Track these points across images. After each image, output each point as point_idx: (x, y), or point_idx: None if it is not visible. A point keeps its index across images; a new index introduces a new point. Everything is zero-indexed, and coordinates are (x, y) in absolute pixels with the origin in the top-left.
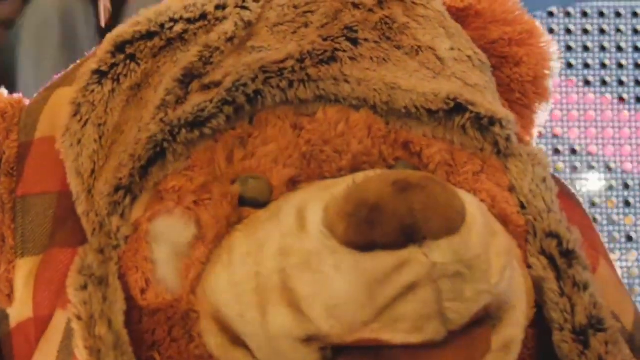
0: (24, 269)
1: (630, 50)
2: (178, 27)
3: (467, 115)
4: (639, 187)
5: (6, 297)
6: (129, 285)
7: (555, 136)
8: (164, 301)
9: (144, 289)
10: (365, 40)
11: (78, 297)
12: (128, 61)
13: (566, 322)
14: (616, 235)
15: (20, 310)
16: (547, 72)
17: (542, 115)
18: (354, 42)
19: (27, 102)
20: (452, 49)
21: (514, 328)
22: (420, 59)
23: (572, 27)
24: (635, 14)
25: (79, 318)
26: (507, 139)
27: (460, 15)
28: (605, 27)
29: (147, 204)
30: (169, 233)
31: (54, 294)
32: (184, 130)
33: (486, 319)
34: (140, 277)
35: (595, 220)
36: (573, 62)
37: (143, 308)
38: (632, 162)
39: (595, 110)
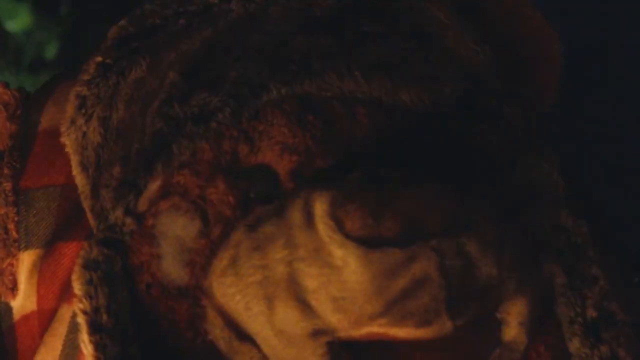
0: (27, 262)
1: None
2: (183, 20)
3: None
4: None
5: (10, 290)
6: (135, 279)
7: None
8: (170, 295)
9: (150, 283)
10: (372, 33)
11: (83, 291)
12: (133, 54)
13: (577, 315)
14: None
15: (23, 304)
16: (554, 67)
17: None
18: (361, 35)
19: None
20: (458, 43)
21: (523, 322)
22: (427, 52)
23: None
24: None
25: (84, 312)
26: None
27: (465, 9)
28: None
29: (152, 198)
30: (174, 227)
31: (58, 287)
32: (189, 124)
33: (494, 313)
34: (146, 271)
35: None
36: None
37: (149, 302)
38: None
39: None
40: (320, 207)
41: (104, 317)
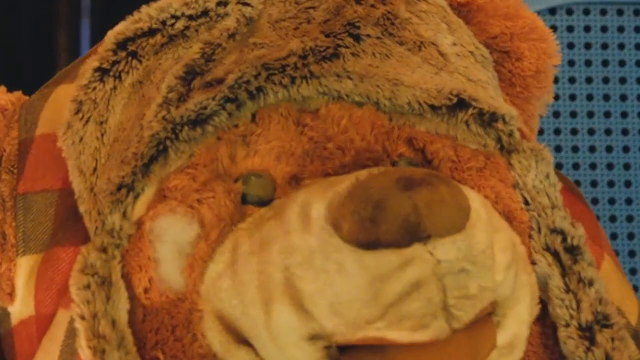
0: (25, 267)
1: (632, 48)
2: (179, 24)
3: (470, 111)
4: None
5: (7, 295)
6: (132, 284)
7: (557, 132)
8: (168, 300)
9: (147, 288)
10: (368, 36)
11: (81, 296)
12: (129, 58)
13: (572, 318)
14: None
15: (21, 309)
16: (549, 66)
17: (544, 110)
18: (357, 38)
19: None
20: (454, 44)
21: (518, 325)
22: (422, 54)
23: (573, 24)
24: (637, 12)
25: (82, 317)
26: (510, 134)
27: (462, 10)
28: (607, 24)
29: (149, 202)
30: (172, 232)
31: (56, 292)
32: (186, 128)
33: (491, 315)
34: (144, 276)
35: (598, 217)
36: (575, 59)
37: (146, 307)
38: None
39: None
40: (316, 211)
41: (102, 322)
